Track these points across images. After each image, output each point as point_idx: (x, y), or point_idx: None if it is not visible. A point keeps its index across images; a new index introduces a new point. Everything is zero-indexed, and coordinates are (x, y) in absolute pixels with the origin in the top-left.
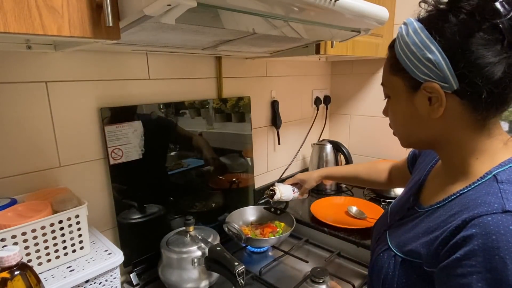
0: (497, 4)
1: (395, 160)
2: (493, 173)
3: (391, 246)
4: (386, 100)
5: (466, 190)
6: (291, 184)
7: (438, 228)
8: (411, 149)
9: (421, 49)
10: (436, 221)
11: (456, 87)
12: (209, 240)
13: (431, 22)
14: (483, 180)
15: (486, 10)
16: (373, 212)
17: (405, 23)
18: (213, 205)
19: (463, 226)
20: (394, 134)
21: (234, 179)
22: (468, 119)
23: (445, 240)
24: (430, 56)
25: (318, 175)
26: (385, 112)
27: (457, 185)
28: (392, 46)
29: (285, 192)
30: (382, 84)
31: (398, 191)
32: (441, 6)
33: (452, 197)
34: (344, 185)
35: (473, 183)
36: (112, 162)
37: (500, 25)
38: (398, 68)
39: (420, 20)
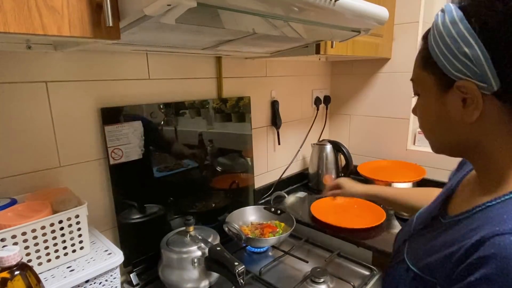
0: None
1: None
2: None
3: (406, 258)
4: (416, 98)
5: (494, 202)
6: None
7: (456, 242)
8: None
9: (457, 41)
10: (456, 235)
11: (496, 88)
12: (209, 240)
13: (472, 10)
14: None
15: None
16: (373, 212)
17: (442, 10)
18: (213, 205)
19: (481, 244)
20: (425, 137)
21: (234, 179)
22: (508, 125)
23: (460, 259)
24: (467, 50)
25: (363, 192)
26: (415, 111)
27: (487, 196)
28: (425, 37)
29: None
30: (411, 79)
31: None
32: None
33: (478, 209)
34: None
35: (504, 195)
36: (112, 162)
37: None
38: (429, 63)
39: (461, 7)
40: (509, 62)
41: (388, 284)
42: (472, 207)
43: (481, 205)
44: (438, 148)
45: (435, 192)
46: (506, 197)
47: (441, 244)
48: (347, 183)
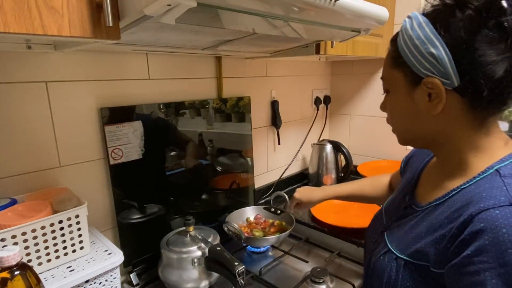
0: (504, 3)
1: (392, 172)
2: (494, 168)
3: (391, 248)
4: (385, 95)
5: (467, 184)
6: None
7: (443, 225)
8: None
9: (425, 43)
10: (439, 218)
11: (457, 83)
12: (209, 240)
13: (437, 16)
14: (485, 174)
15: (493, 7)
16: (373, 212)
17: (409, 17)
18: (213, 205)
19: (470, 220)
20: (392, 131)
21: (234, 179)
22: (467, 117)
23: (453, 237)
24: (433, 51)
25: (321, 198)
26: (383, 107)
27: (456, 181)
28: (394, 40)
29: None
30: (382, 78)
31: None
32: (448, 1)
33: (453, 193)
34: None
35: (473, 177)
36: (112, 162)
37: (505, 23)
38: (399, 62)
39: (425, 14)
40: (468, 62)
41: (378, 276)
42: (447, 192)
43: (456, 188)
44: (405, 139)
45: (381, 177)
46: (477, 178)
47: (426, 229)
48: (304, 194)
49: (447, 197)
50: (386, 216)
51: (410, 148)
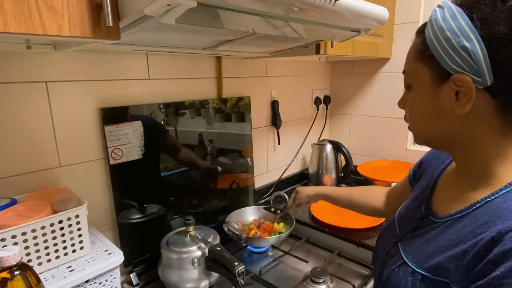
0: None
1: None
2: None
3: (407, 261)
4: (404, 90)
5: (493, 197)
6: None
7: (465, 240)
8: (411, 148)
9: (458, 36)
10: (461, 233)
11: (490, 83)
12: (209, 240)
13: (473, 7)
14: None
15: None
16: None
17: (440, 6)
18: (213, 205)
19: (500, 239)
20: (409, 128)
21: (234, 179)
22: (496, 120)
23: (478, 255)
24: (467, 44)
25: (314, 192)
26: (402, 103)
27: (479, 192)
28: (421, 31)
29: None
30: (404, 72)
31: None
32: None
33: (477, 205)
34: (344, 185)
35: (500, 189)
36: (112, 162)
37: None
38: (426, 56)
39: (459, 4)
40: (506, 59)
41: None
42: (470, 204)
43: (480, 201)
44: (423, 139)
45: (375, 189)
46: (504, 191)
47: (446, 243)
48: (302, 188)
49: (470, 210)
50: (400, 225)
51: (410, 148)
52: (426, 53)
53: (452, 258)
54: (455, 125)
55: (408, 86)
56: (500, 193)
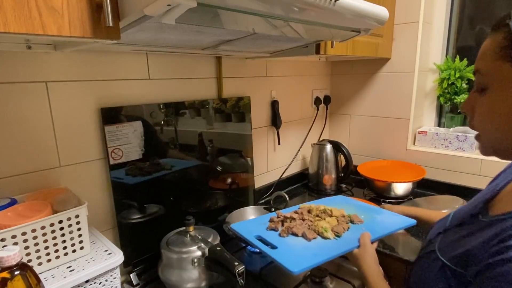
0: None
1: None
2: None
3: (436, 250)
4: (472, 92)
5: None
6: None
7: (495, 237)
8: (410, 149)
9: None
10: (495, 231)
11: None
12: (209, 240)
13: None
14: None
15: None
16: None
17: None
18: (213, 205)
19: None
20: (477, 137)
21: (234, 179)
22: None
23: (499, 242)
24: None
25: (402, 212)
26: (468, 107)
27: None
28: (503, 25)
29: None
30: (477, 71)
31: (399, 190)
32: None
33: None
34: (344, 185)
35: None
36: (112, 162)
37: None
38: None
39: None
40: None
41: (416, 274)
42: None
43: None
44: (495, 149)
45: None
46: None
47: (477, 240)
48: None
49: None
50: (452, 219)
51: (410, 148)
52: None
53: (476, 250)
54: None
55: (482, 88)
56: None
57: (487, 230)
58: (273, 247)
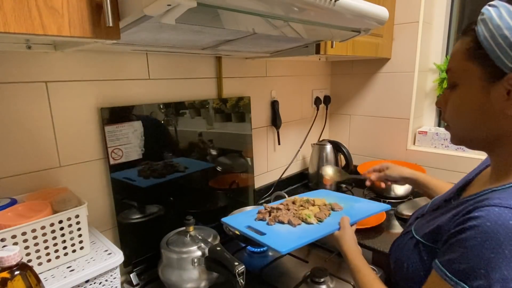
0: None
1: None
2: None
3: (412, 230)
4: (445, 89)
5: (499, 188)
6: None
7: (461, 211)
8: (411, 148)
9: None
10: (461, 208)
11: None
12: (209, 240)
13: None
14: None
15: None
16: None
17: (492, 5)
18: (213, 205)
19: (474, 209)
20: (447, 128)
21: (234, 179)
22: None
23: (462, 215)
24: None
25: (411, 175)
26: (441, 102)
27: (495, 184)
28: (470, 29)
29: None
30: (448, 70)
31: (398, 190)
32: None
33: (483, 193)
34: (344, 185)
35: (508, 184)
36: (112, 162)
37: None
38: (478, 54)
39: None
40: None
41: (395, 251)
42: (481, 191)
43: (487, 189)
44: (463, 138)
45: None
46: (509, 185)
47: (446, 217)
48: (394, 165)
49: (476, 196)
50: (430, 206)
51: (410, 148)
52: (477, 52)
53: (443, 227)
54: (502, 124)
55: (452, 85)
56: (507, 186)
57: (456, 210)
58: (262, 233)
